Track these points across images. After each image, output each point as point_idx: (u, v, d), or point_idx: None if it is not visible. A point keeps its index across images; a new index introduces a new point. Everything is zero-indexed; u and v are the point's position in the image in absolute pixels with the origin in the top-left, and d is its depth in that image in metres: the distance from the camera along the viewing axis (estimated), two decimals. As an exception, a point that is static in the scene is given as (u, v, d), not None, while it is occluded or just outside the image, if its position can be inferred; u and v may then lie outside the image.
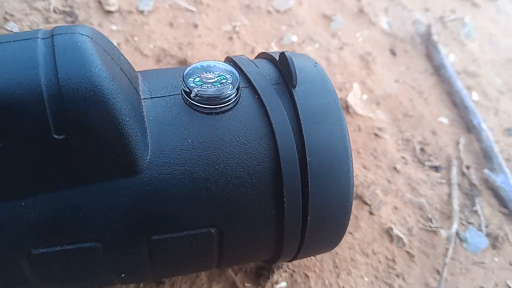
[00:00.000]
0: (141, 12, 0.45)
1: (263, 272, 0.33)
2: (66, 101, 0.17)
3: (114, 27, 0.44)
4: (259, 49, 0.46)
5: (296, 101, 0.22)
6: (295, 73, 0.23)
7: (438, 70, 0.52)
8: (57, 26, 0.19)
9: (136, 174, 0.20)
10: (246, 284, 0.32)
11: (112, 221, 0.20)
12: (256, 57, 0.28)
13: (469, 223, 0.41)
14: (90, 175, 0.19)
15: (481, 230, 0.40)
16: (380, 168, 0.42)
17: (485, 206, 0.42)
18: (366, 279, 0.35)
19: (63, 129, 0.18)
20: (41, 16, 0.42)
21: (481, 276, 0.38)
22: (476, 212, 0.42)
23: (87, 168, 0.19)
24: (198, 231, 0.21)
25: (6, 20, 0.40)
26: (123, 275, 0.22)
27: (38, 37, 0.18)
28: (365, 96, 0.47)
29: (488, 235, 0.40)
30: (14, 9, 0.41)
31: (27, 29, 0.41)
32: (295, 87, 0.23)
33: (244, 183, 0.21)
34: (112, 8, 0.44)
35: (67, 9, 0.43)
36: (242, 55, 0.26)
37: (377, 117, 0.46)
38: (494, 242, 0.40)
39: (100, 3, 0.45)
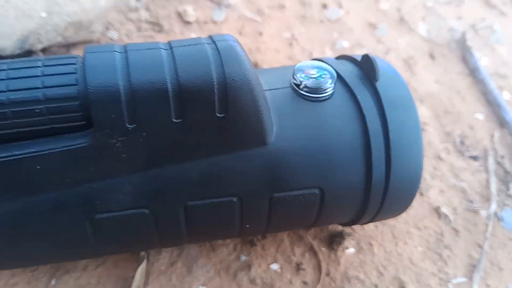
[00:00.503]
0: (215, 22, 0.52)
1: (335, 239, 0.39)
2: (228, 89, 0.24)
3: (193, 35, 0.51)
4: (316, 54, 0.53)
5: (379, 92, 0.29)
6: (378, 70, 0.29)
7: (472, 72, 0.58)
8: (215, 35, 0.26)
9: (266, 145, 0.27)
10: (322, 248, 0.39)
11: (248, 180, 0.27)
12: (336, 58, 0.35)
13: (505, 204, 0.46)
14: (236, 145, 0.26)
15: (517, 211, 0.46)
16: (427, 156, 0.48)
17: (520, 190, 0.48)
18: (419, 248, 0.41)
19: (223, 109, 0.24)
20: (134, 25, 0.49)
21: (517, 250, 0.44)
22: (510, 195, 0.47)
23: (235, 139, 0.26)
24: (307, 191, 0.28)
25: (107, 28, 0.48)
26: (248, 226, 0.29)
27: (204, 43, 0.25)
28: (409, 95, 0.53)
29: (523, 215, 0.46)
30: (113, 19, 0.48)
31: (124, 36, 0.48)
32: (377, 81, 0.29)
33: (342, 154, 0.28)
34: (190, 19, 0.52)
35: (154, 20, 0.50)
36: (329, 57, 0.33)
37: (421, 113, 0.52)
38: (529, 221, 0.46)
39: (180, 14, 0.52)
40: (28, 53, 0.42)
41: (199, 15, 0.52)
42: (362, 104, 0.28)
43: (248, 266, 0.37)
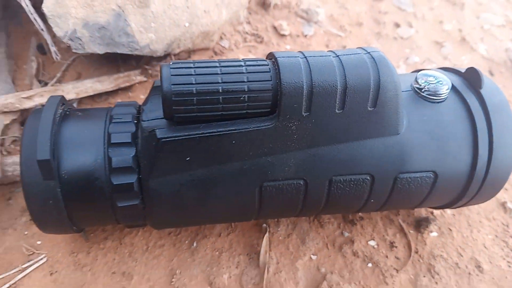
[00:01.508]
0: (305, 36, 0.60)
1: (422, 223, 0.46)
2: (380, 89, 0.31)
3: (288, 47, 0.59)
4: (392, 66, 0.60)
5: (484, 97, 0.36)
6: (484, 80, 0.36)
7: (529, 88, 0.64)
8: (366, 47, 0.34)
9: (398, 135, 0.34)
10: (410, 231, 0.46)
11: (381, 162, 0.34)
12: (440, 68, 0.42)
13: None
14: (378, 133, 0.33)
15: None
16: (493, 159, 0.54)
17: None
18: (489, 236, 0.48)
19: (374, 104, 0.32)
20: (240, 36, 0.57)
21: None
22: None
23: (378, 128, 0.33)
24: (424, 174, 0.35)
25: (221, 38, 0.56)
26: (372, 200, 0.36)
27: (361, 53, 0.32)
28: (474, 105, 0.60)
29: None
30: (226, 31, 0.57)
31: (233, 45, 0.56)
32: (481, 89, 0.36)
33: (454, 146, 0.35)
34: (285, 33, 0.59)
35: (255, 32, 0.59)
36: (435, 68, 0.40)
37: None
38: None
39: (275, 28, 0.60)
40: (166, 56, 0.50)
41: (292, 29, 0.60)
42: (471, 107, 0.35)
43: (351, 241, 0.44)
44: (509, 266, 0.46)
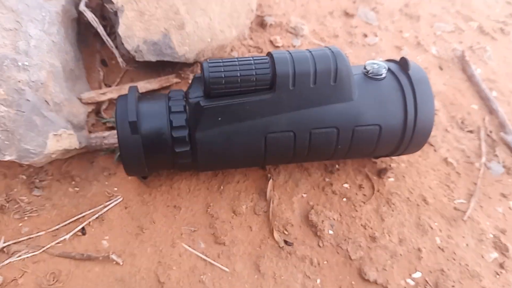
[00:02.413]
0: (294, 46, 0.80)
1: (382, 171, 0.64)
2: (338, 70, 0.50)
3: (282, 54, 0.78)
4: (361, 66, 0.79)
5: (410, 75, 0.55)
6: (410, 64, 0.55)
7: (470, 78, 0.83)
8: (328, 46, 0.53)
9: (352, 101, 0.53)
10: (374, 177, 0.64)
11: (343, 118, 0.52)
12: (387, 60, 0.61)
13: (492, 159, 0.71)
14: (339, 99, 0.52)
15: (499, 163, 0.70)
16: (438, 129, 0.73)
17: (501, 152, 0.72)
18: (435, 182, 0.66)
19: (334, 80, 0.51)
20: (245, 48, 0.77)
21: (500, 188, 0.68)
22: (496, 155, 0.71)
23: (339, 96, 0.52)
24: (373, 126, 0.54)
25: (231, 50, 0.76)
26: (339, 147, 0.55)
27: (325, 49, 0.52)
28: (425, 92, 0.78)
29: (504, 166, 0.70)
30: (235, 45, 0.76)
31: (241, 54, 0.76)
32: (409, 70, 0.55)
33: (391, 107, 0.54)
34: (279, 44, 0.79)
35: (256, 45, 0.78)
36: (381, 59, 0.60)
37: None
38: (508, 170, 0.70)
39: (271, 42, 0.80)
40: (194, 63, 0.69)
41: (284, 42, 0.80)
42: (401, 81, 0.54)
43: (331, 184, 0.62)
44: (449, 201, 0.64)
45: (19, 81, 0.48)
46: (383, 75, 0.55)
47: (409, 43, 0.87)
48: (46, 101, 0.50)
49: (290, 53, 0.51)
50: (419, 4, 0.97)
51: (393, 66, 0.57)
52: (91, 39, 0.70)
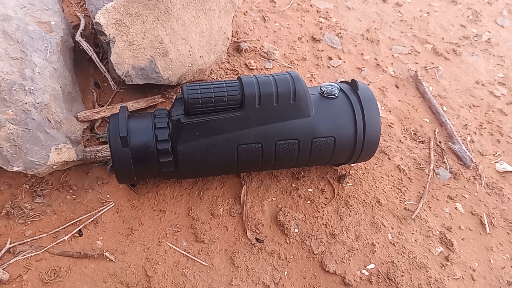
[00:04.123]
0: (267, 68, 0.90)
1: (342, 178, 0.74)
2: (297, 92, 0.60)
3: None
4: (326, 85, 0.90)
5: (359, 94, 0.65)
6: (359, 85, 0.65)
7: (423, 94, 0.94)
8: (288, 71, 0.63)
9: (310, 117, 0.62)
10: (334, 183, 0.73)
11: (302, 131, 0.62)
12: (340, 82, 0.71)
13: (440, 166, 0.81)
14: (298, 116, 0.61)
15: (447, 169, 0.81)
16: (392, 140, 0.83)
17: (449, 159, 0.82)
18: (388, 186, 0.75)
19: (294, 100, 0.60)
20: (223, 71, 0.87)
21: (447, 191, 0.78)
22: (444, 162, 0.82)
23: (298, 113, 0.61)
24: (328, 138, 0.63)
25: (210, 73, 0.85)
26: (300, 155, 0.64)
27: (286, 74, 0.61)
28: (382, 108, 0.89)
29: (451, 172, 0.80)
30: (213, 68, 0.86)
31: (219, 77, 0.85)
32: (358, 90, 0.65)
33: (343, 121, 0.63)
34: (253, 67, 0.89)
35: (233, 68, 0.88)
36: (336, 82, 0.70)
37: (390, 118, 0.88)
38: (455, 175, 0.80)
39: (246, 64, 0.90)
40: (177, 85, 0.79)
41: (257, 65, 0.90)
42: (351, 100, 0.64)
43: (297, 189, 0.72)
44: (401, 202, 0.73)
45: (26, 103, 0.56)
46: (336, 95, 0.65)
47: (369, 64, 0.98)
48: (48, 119, 0.58)
49: (256, 77, 0.61)
50: (380, 29, 1.08)
51: (345, 87, 0.67)
52: (85, 64, 0.79)
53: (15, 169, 0.55)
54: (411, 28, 1.12)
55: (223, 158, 0.62)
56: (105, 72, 0.71)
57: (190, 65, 0.74)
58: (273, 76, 0.61)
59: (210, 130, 0.59)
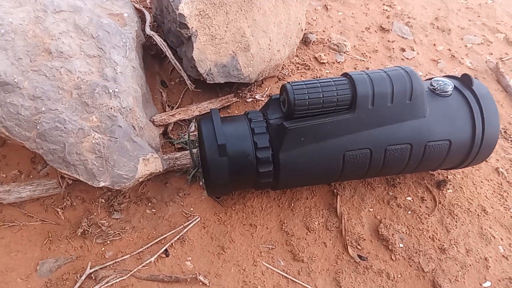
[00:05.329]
0: (339, 62, 0.82)
1: (441, 183, 0.66)
2: (413, 90, 0.53)
3: (327, 71, 0.80)
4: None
5: (475, 91, 0.57)
6: (473, 80, 0.58)
7: (505, 88, 0.86)
8: (400, 65, 0.55)
9: (424, 118, 0.55)
10: (434, 190, 0.66)
11: (416, 134, 0.54)
12: (443, 76, 0.63)
13: (539, 168, 0.73)
14: (413, 116, 0.54)
15: (546, 171, 0.73)
16: (485, 140, 0.75)
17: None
18: (489, 191, 0.68)
19: (410, 99, 0.53)
20: (294, 66, 0.79)
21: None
22: (541, 163, 0.74)
23: (413, 113, 0.54)
24: (443, 142, 0.56)
25: (282, 68, 0.77)
26: (411, 162, 0.56)
27: (399, 69, 0.54)
28: (467, 104, 0.81)
29: (550, 174, 0.73)
30: (285, 63, 0.78)
31: (290, 72, 0.78)
32: (473, 86, 0.58)
33: (460, 122, 0.56)
34: (324, 61, 0.81)
35: (303, 62, 0.80)
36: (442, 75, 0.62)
37: (476, 115, 0.80)
38: (555, 178, 0.72)
39: (316, 58, 0.82)
40: (252, 83, 0.71)
41: (328, 58, 0.82)
42: (468, 97, 0.57)
43: (395, 198, 0.64)
44: (506, 210, 0.66)
45: (111, 108, 0.49)
46: (450, 92, 0.57)
47: (444, 56, 0.90)
48: (133, 126, 0.51)
49: (367, 73, 0.53)
50: (448, 17, 1.00)
51: (456, 83, 0.59)
52: (149, 61, 0.72)
53: (101, 184, 0.48)
54: (478, 16, 1.03)
55: (327, 166, 0.54)
56: (180, 70, 0.63)
57: (269, 60, 0.67)
58: (385, 71, 0.53)
59: (315, 136, 0.52)
